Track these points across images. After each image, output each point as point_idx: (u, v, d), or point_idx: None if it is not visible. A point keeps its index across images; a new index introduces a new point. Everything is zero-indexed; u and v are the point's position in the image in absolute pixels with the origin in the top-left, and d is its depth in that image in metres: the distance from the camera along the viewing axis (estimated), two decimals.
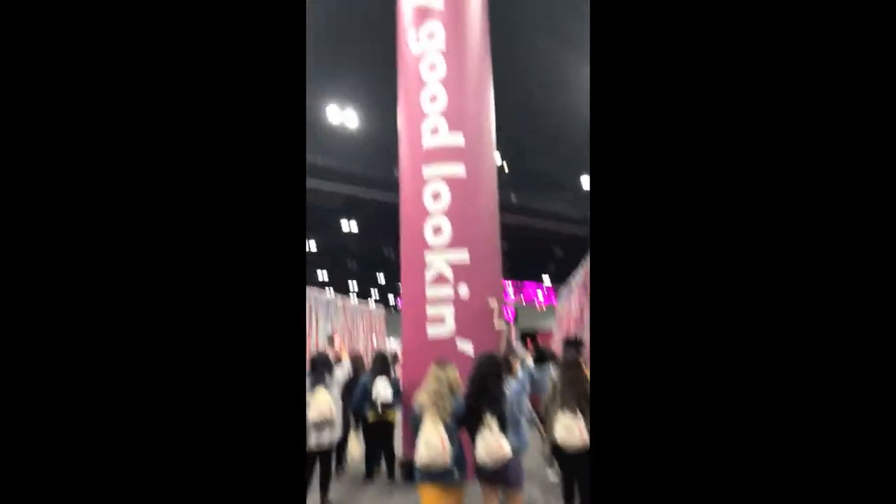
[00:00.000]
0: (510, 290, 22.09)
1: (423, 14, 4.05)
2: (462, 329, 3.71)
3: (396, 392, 3.77)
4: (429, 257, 3.81)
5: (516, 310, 20.71)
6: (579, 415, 2.45)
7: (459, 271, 3.76)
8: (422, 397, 2.24)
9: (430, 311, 3.75)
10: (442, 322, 3.73)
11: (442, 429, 2.13)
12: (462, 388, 2.28)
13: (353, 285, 23.98)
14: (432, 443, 2.11)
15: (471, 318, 3.74)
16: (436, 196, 3.85)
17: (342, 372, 3.95)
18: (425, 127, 3.93)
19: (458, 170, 3.87)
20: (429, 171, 3.89)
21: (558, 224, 17.11)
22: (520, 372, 2.69)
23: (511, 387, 2.51)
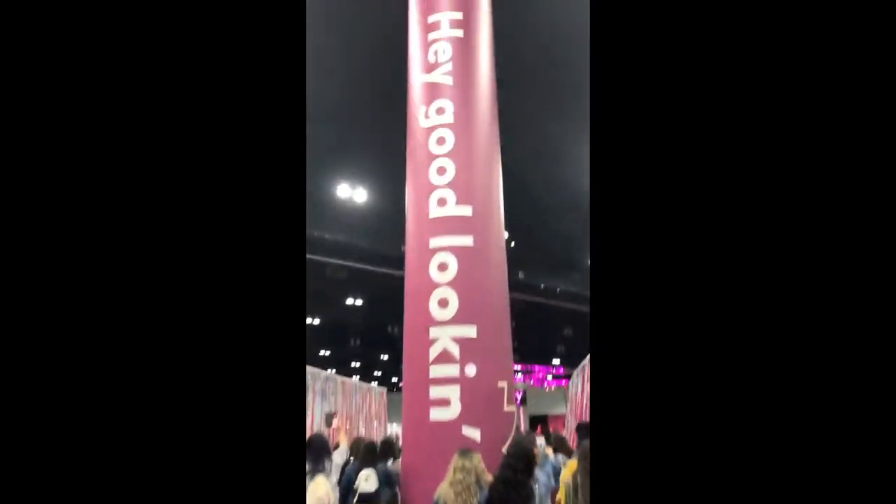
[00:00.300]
0: (518, 371, 21.33)
1: (432, 91, 4.13)
2: (468, 412, 3.39)
3: (388, 483, 3.41)
4: (434, 332, 3.57)
5: (524, 392, 19.87)
6: None
7: (466, 348, 3.51)
8: (444, 490, 2.13)
9: (434, 391, 3.45)
10: (446, 404, 3.41)
11: None
12: (488, 479, 2.15)
13: (355, 365, 23.33)
14: None
15: (478, 400, 3.43)
16: (442, 267, 3.69)
17: (341, 456, 3.74)
18: (433, 199, 3.86)
19: (465, 241, 3.74)
20: (436, 241, 3.76)
21: (567, 303, 16.84)
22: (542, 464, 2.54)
23: (539, 479, 2.36)
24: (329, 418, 5.41)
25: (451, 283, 3.64)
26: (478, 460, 2.25)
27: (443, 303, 3.62)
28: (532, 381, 22.40)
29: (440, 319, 3.59)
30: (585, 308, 16.17)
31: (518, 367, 20.92)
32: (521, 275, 15.80)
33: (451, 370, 3.47)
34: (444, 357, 3.51)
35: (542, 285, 16.29)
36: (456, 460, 2.26)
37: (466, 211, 3.80)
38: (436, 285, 3.67)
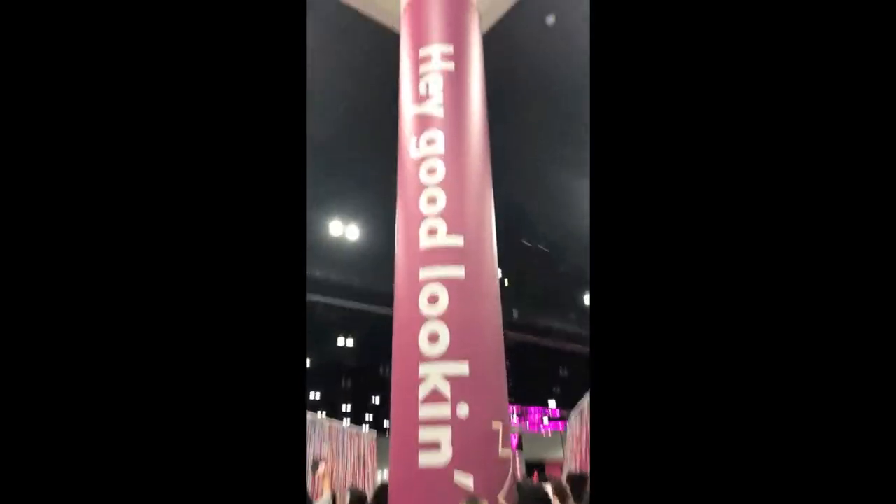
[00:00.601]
0: (513, 413, 20.69)
1: (423, 122, 4.08)
2: (461, 457, 3.13)
3: None
4: (423, 370, 3.36)
5: (520, 436, 19.19)
6: None
7: (458, 387, 3.29)
8: None
9: (424, 434, 3.20)
10: (436, 448, 3.16)
11: None
12: None
13: (346, 408, 22.57)
14: None
15: (471, 443, 3.18)
16: (432, 300, 3.51)
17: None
18: (423, 228, 3.73)
19: (457, 272, 3.58)
20: (426, 272, 3.60)
21: (562, 343, 16.55)
22: None
23: None
24: (315, 465, 5.08)
25: (442, 317, 3.46)
26: None
27: (433, 338, 3.42)
28: (528, 425, 21.69)
29: (430, 355, 3.38)
30: (581, 348, 15.85)
31: (513, 408, 20.29)
32: (515, 314, 15.56)
33: (442, 410, 3.24)
34: (435, 396, 3.28)
35: (537, 324, 16.05)
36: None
37: (458, 241, 3.66)
38: (425, 319, 3.48)
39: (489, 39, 4.69)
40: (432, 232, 3.70)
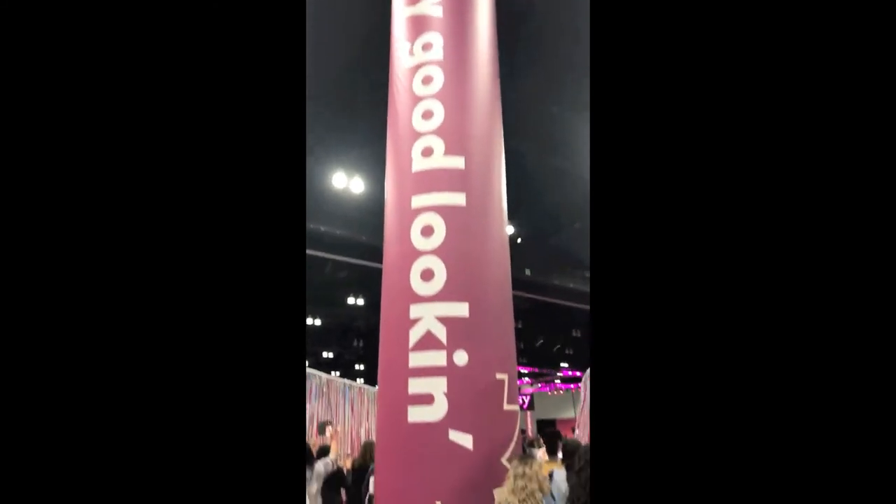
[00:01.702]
0: (525, 374, 20.48)
1: (418, 24, 3.43)
2: (457, 413, 2.66)
3: None
4: (415, 311, 2.85)
5: (532, 397, 19.05)
6: None
7: (455, 331, 2.78)
8: (506, 497, 2.12)
9: (414, 385, 2.72)
10: (429, 402, 2.68)
11: None
12: (548, 487, 2.18)
13: (360, 367, 22.62)
14: None
15: (470, 396, 2.69)
16: (427, 231, 2.97)
17: (323, 465, 3.52)
18: (416, 148, 3.15)
19: (456, 199, 3.01)
20: (419, 200, 3.04)
21: (576, 302, 16.09)
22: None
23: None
24: (322, 427, 5.06)
25: (438, 251, 2.92)
26: (538, 466, 2.24)
27: (427, 274, 2.89)
28: (540, 386, 21.53)
29: (423, 295, 2.86)
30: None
31: (524, 370, 20.09)
32: (527, 272, 15.07)
33: (437, 358, 2.74)
34: (428, 342, 2.78)
35: (550, 284, 15.58)
36: (515, 467, 2.23)
37: (458, 163, 3.08)
38: (419, 253, 2.94)
39: None
40: (427, 152, 3.11)
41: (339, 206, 11.85)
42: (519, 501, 2.08)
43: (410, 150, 3.15)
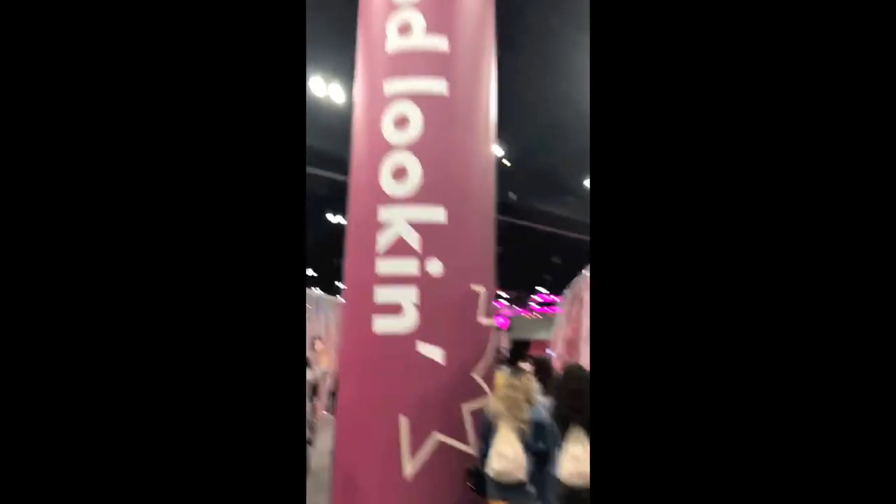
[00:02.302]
0: (505, 297, 20.81)
1: None
2: (428, 325, 2.43)
3: None
4: (384, 213, 2.53)
5: (509, 319, 19.46)
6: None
7: (430, 238, 2.49)
8: (495, 404, 2.19)
9: (381, 294, 2.47)
10: (397, 312, 2.44)
11: (516, 439, 2.11)
12: (536, 400, 2.24)
13: (341, 285, 22.80)
14: (507, 454, 2.08)
15: (442, 308, 2.46)
16: (400, 122, 2.58)
17: (311, 374, 3.77)
18: (392, 25, 2.67)
19: (436, 86, 2.60)
20: (393, 86, 2.62)
21: (559, 229, 16.00)
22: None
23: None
24: (311, 343, 5.15)
25: (413, 147, 2.55)
26: (527, 380, 2.29)
27: (399, 173, 2.54)
28: (518, 310, 21.98)
29: (395, 196, 2.53)
30: (575, 234, 15.30)
31: (504, 294, 20.37)
32: (512, 196, 14.76)
33: (407, 266, 2.47)
34: (399, 248, 2.49)
35: (534, 208, 15.36)
36: (505, 378, 2.28)
37: (440, 44, 2.63)
38: (390, 147, 2.57)
39: None
40: (405, 29, 2.64)
41: (319, 116, 11.12)
42: (505, 408, 2.16)
43: (384, 24, 2.67)
